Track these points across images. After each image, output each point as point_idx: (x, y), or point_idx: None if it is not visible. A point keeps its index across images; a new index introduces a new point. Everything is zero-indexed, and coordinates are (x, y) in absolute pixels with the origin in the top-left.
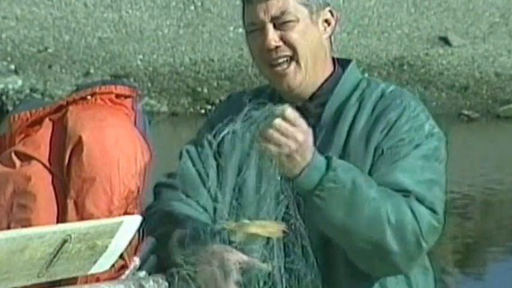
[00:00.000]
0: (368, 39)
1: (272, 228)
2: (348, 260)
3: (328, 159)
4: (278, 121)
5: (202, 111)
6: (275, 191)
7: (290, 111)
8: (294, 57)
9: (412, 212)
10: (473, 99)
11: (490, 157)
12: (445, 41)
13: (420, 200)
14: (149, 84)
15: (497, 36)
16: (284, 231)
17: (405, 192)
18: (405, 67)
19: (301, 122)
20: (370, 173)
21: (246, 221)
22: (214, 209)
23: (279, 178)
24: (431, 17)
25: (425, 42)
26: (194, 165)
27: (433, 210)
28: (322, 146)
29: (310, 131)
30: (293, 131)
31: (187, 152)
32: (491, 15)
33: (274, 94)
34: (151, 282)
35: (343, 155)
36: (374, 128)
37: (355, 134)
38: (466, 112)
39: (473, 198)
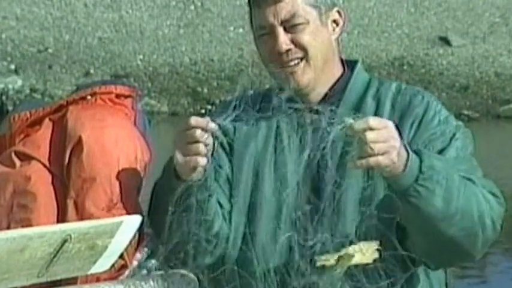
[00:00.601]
0: (368, 39)
1: (368, 251)
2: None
3: (417, 151)
4: (370, 134)
5: (202, 111)
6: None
7: (371, 119)
8: (304, 58)
9: (484, 197)
10: (473, 99)
11: (490, 157)
12: (445, 41)
13: (484, 187)
14: (149, 84)
15: (497, 36)
16: (378, 250)
17: (468, 180)
18: (405, 67)
19: (383, 120)
20: None
21: (342, 252)
22: (230, 203)
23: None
24: (431, 17)
25: (425, 42)
26: None
27: (494, 195)
28: (344, 144)
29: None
30: (388, 133)
31: None
32: (491, 15)
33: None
34: (151, 282)
35: None
36: (402, 125)
37: None
38: (466, 112)
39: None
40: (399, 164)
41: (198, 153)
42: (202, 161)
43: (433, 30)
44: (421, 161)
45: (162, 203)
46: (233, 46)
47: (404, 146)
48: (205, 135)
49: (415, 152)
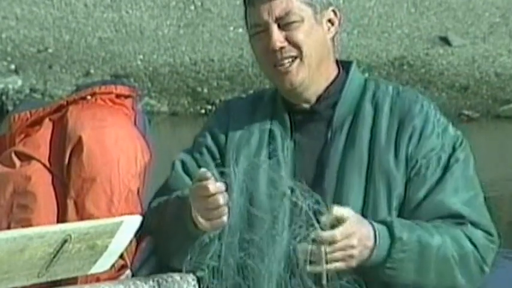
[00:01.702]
0: (368, 39)
1: None
2: None
3: (389, 228)
4: (329, 249)
5: (202, 111)
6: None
7: (337, 232)
8: (298, 57)
9: (471, 241)
10: (473, 99)
11: (490, 157)
12: (445, 41)
13: (475, 225)
14: (149, 84)
15: (497, 36)
16: None
17: (460, 219)
18: (405, 67)
19: (348, 229)
20: (407, 185)
21: None
22: None
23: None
24: (431, 17)
25: (425, 42)
26: (188, 174)
27: (488, 233)
28: (343, 151)
29: (356, 221)
30: (346, 242)
31: (182, 161)
32: (491, 15)
33: (276, 98)
34: (151, 283)
35: (369, 160)
36: (400, 136)
37: (379, 139)
38: (466, 112)
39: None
40: (362, 260)
41: (221, 216)
42: (226, 219)
43: (433, 30)
44: (393, 245)
45: (170, 231)
46: (233, 46)
47: (388, 225)
48: (226, 197)
49: (390, 229)
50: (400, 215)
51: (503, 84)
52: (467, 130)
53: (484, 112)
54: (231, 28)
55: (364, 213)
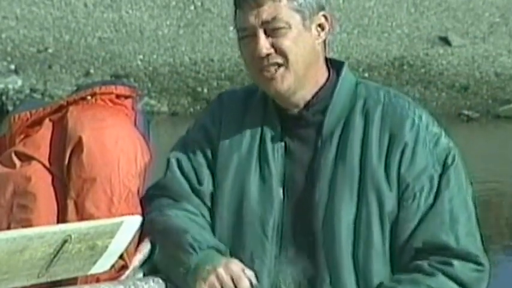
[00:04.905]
0: (368, 39)
1: None
2: None
3: None
4: None
5: None
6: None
7: None
8: (284, 64)
9: (457, 281)
10: (473, 99)
11: (489, 157)
12: (445, 41)
13: (465, 258)
14: (149, 84)
15: (497, 36)
16: None
17: (448, 252)
18: (405, 67)
19: None
20: (399, 205)
21: None
22: (212, 215)
23: None
24: (431, 17)
25: (425, 42)
26: (183, 173)
27: (478, 263)
28: (334, 163)
29: None
30: None
31: (177, 160)
32: (491, 15)
33: (267, 100)
34: (151, 283)
35: (360, 175)
36: (391, 151)
37: (370, 153)
38: (466, 112)
39: (472, 198)
40: None
41: None
42: None
43: (433, 30)
44: None
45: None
46: (233, 46)
47: None
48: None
49: None
50: (393, 239)
51: (503, 84)
52: (467, 130)
53: (484, 112)
54: (231, 28)
55: (356, 229)
